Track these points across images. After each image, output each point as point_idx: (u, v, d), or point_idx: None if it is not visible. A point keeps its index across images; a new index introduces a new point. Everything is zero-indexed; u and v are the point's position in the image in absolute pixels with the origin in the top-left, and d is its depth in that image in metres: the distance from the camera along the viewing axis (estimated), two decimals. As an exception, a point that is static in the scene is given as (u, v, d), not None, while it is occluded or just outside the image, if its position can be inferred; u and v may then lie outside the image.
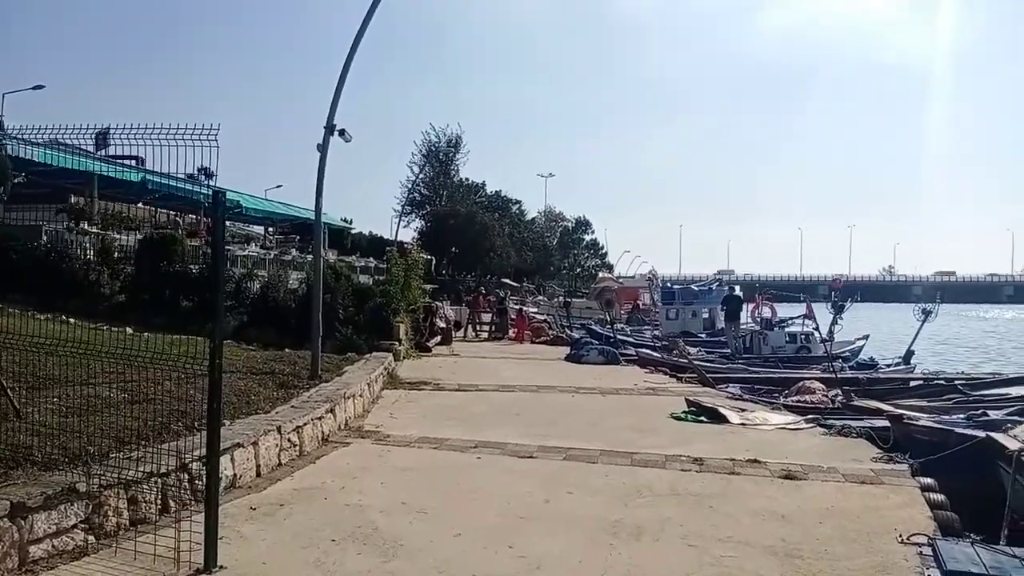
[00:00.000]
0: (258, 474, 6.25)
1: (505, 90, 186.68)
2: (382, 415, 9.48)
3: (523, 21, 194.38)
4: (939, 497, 6.65)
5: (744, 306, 26.06)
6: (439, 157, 54.55)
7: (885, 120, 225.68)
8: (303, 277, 16.57)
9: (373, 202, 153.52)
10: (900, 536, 5.27)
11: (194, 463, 5.50)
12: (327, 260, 23.19)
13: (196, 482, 5.51)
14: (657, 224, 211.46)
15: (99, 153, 27.93)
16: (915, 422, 8.85)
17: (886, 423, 9.37)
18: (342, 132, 10.40)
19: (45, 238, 16.55)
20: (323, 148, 10.30)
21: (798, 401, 12.60)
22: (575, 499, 6.02)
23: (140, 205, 30.31)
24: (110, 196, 27.74)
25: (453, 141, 55.13)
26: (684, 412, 10.12)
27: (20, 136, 6.50)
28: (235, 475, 5.93)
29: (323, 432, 7.60)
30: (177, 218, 30.66)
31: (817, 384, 13.68)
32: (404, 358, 15.74)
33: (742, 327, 24.21)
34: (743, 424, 9.63)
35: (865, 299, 35.41)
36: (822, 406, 12.18)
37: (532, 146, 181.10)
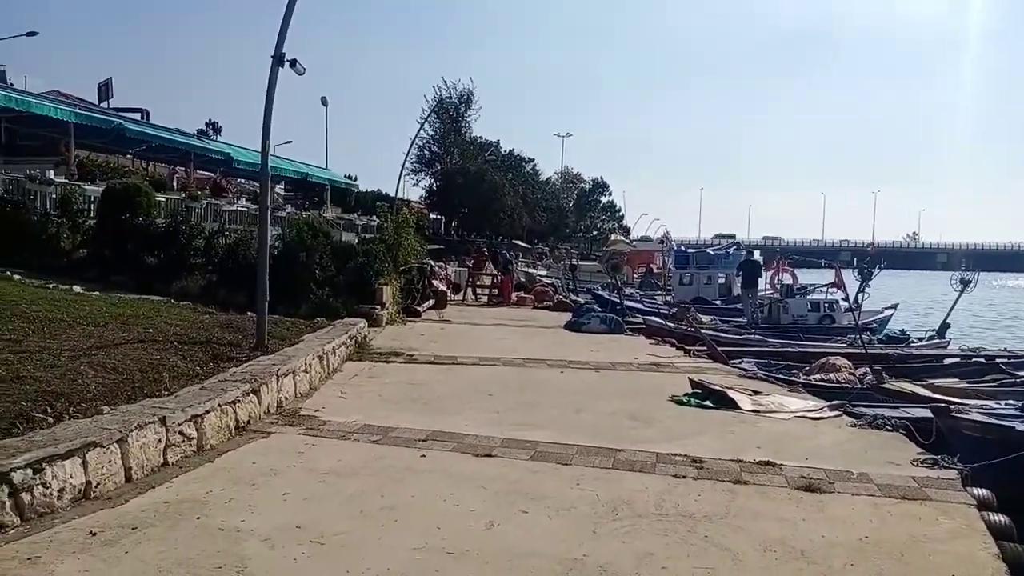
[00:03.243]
0: (128, 479, 4.89)
1: (521, 51, 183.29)
2: (330, 395, 8.14)
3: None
4: (1002, 521, 5.19)
5: (763, 272, 24.45)
6: (450, 113, 52.57)
7: (909, 86, 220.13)
8: (279, 233, 15.18)
9: (382, 161, 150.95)
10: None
11: (20, 471, 4.14)
12: (313, 215, 22.06)
13: (23, 496, 4.16)
14: (676, 188, 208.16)
15: (102, 105, 26.71)
16: (964, 415, 7.36)
17: (926, 413, 7.91)
18: (293, 63, 8.89)
19: (1, 187, 15.24)
20: (271, 81, 8.79)
21: (821, 380, 11.20)
22: (528, 522, 4.61)
23: (129, 156, 29.10)
24: (101, 148, 26.56)
25: (465, 97, 53.02)
26: (687, 395, 8.69)
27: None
28: (88, 483, 4.57)
29: (238, 420, 6.25)
30: (175, 172, 29.45)
31: (842, 360, 12.23)
32: (387, 324, 14.53)
33: (761, 295, 22.61)
34: (755, 411, 8.17)
35: (889, 266, 33.65)
36: (848, 386, 10.75)
37: (550, 107, 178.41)
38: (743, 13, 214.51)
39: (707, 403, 8.41)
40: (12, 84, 26.33)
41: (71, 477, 4.45)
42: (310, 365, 8.32)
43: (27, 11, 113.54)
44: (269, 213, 16.77)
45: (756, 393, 9.00)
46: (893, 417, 7.83)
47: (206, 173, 32.38)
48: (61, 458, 4.39)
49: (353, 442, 6.25)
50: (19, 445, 4.39)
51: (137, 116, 30.96)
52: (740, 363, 12.40)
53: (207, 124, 56.76)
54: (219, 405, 5.94)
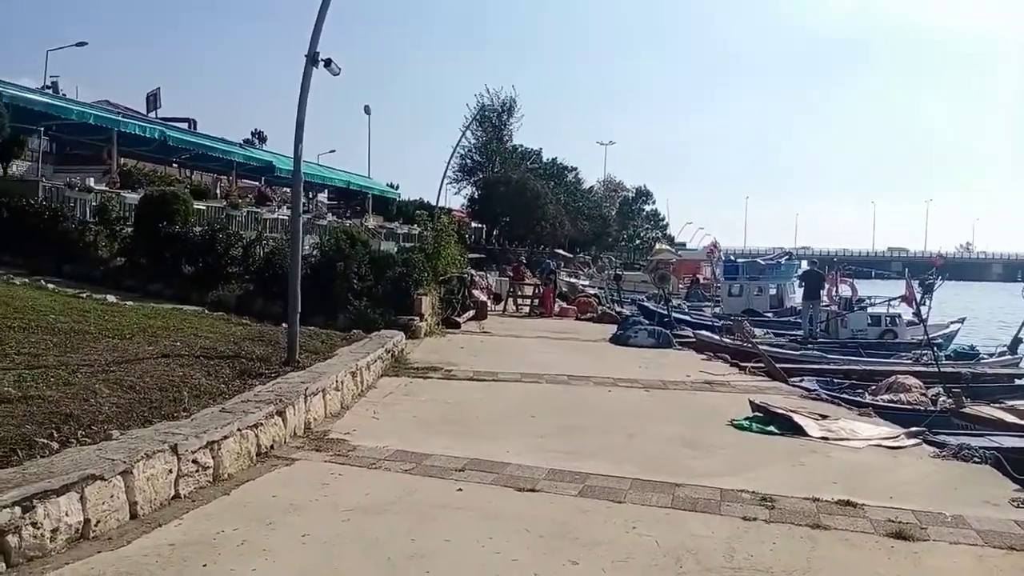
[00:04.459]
0: (133, 515, 4.41)
1: (564, 58, 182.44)
2: (362, 415, 7.63)
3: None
4: None
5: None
6: (492, 121, 52.23)
7: (959, 94, 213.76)
8: (317, 242, 14.87)
9: (424, 169, 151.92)
10: None
11: (7, 511, 3.67)
12: (353, 224, 21.74)
13: (9, 538, 3.70)
14: (721, 197, 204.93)
15: (150, 115, 26.90)
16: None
17: (1018, 442, 7.12)
18: (328, 63, 8.44)
19: (41, 194, 15.17)
20: (304, 82, 8.35)
21: (890, 402, 10.37)
22: (580, 577, 4.00)
23: (175, 165, 29.28)
24: (147, 157, 26.75)
25: (507, 105, 52.63)
26: (748, 419, 8.00)
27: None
28: (86, 521, 4.09)
29: (259, 445, 5.75)
30: (219, 181, 29.58)
31: (912, 380, 11.40)
32: (425, 335, 14.14)
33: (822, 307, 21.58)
34: (825, 438, 7.45)
35: (943, 277, 32.24)
36: (921, 409, 9.93)
37: (592, 116, 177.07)
38: (788, 20, 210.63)
39: (770, 428, 7.73)
40: (64, 94, 26.71)
41: (66, 515, 3.97)
42: (342, 382, 7.86)
43: (79, 22, 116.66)
44: (303, 221, 16.60)
45: (823, 417, 8.30)
46: (980, 447, 7.06)
47: (251, 182, 32.53)
48: (55, 494, 3.92)
49: (384, 471, 5.70)
50: (10, 479, 3.93)
51: (184, 125, 31.19)
52: (800, 381, 11.78)
53: (253, 133, 57.30)
54: (239, 430, 5.45)
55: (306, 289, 9.52)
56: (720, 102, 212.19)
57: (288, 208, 22.38)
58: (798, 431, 7.57)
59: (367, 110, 42.75)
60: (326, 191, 36.83)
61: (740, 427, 7.79)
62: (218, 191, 24.32)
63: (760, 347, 14.34)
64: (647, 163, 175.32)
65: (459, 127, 51.92)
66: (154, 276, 14.12)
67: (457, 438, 6.79)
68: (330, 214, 27.84)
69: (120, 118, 20.57)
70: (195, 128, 32.31)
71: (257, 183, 30.77)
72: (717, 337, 16.25)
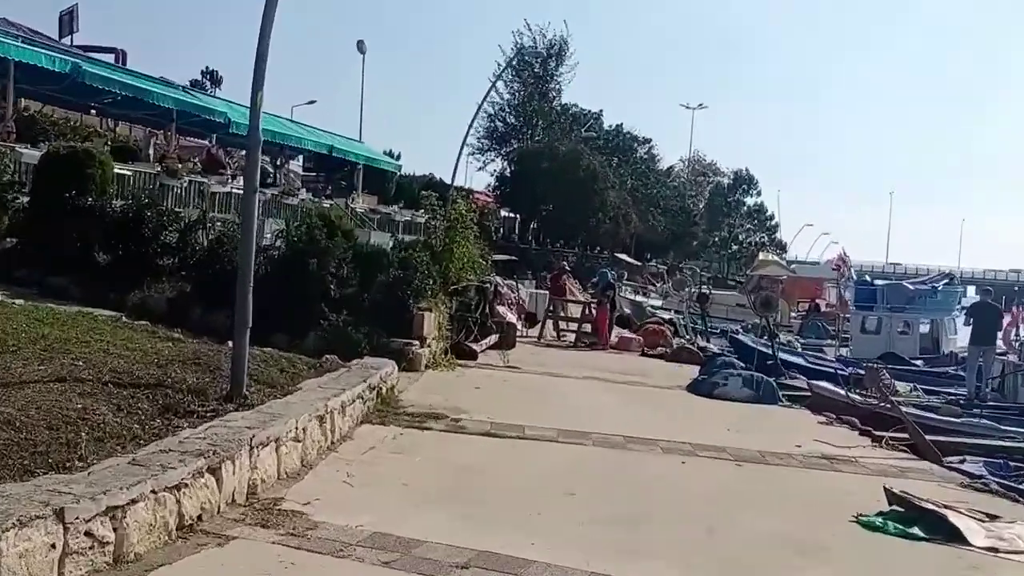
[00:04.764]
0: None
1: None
2: (331, 478, 7.65)
3: None
4: None
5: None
6: (534, 70, 52.09)
7: None
8: (281, 229, 15.15)
9: (438, 135, 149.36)
10: None
11: None
12: (335, 205, 21.74)
13: None
14: (855, 195, 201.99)
15: (63, 40, 27.26)
16: None
17: None
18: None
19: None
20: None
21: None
22: None
23: (93, 112, 29.75)
24: (56, 100, 27.22)
25: (556, 47, 52.61)
26: (882, 514, 7.95)
27: None
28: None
29: (182, 515, 5.73)
30: (154, 137, 29.97)
31: None
32: (427, 367, 14.31)
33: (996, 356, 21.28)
34: (994, 549, 7.33)
35: None
36: None
37: (675, 71, 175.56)
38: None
39: (914, 530, 7.64)
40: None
41: None
42: (304, 430, 7.86)
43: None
44: (265, 198, 16.85)
45: (991, 517, 8.21)
46: None
47: (198, 141, 32.96)
48: None
49: (354, 562, 5.65)
50: None
51: (109, 58, 31.71)
52: (961, 463, 11.69)
53: (204, 73, 58.07)
54: (154, 491, 5.42)
55: (264, 295, 9.57)
56: (859, 61, 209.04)
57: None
58: (954, 536, 7.49)
59: (361, 47, 43.32)
60: (300, 157, 37.22)
61: (870, 525, 7.73)
62: (151, 151, 24.63)
63: (903, 409, 14.13)
64: (752, 142, 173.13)
65: (488, 76, 51.89)
66: (56, 266, 14.24)
67: (462, 520, 6.77)
68: (304, 190, 28.19)
69: (18, 44, 20.86)
70: (124, 62, 32.81)
71: (206, 142, 31.15)
72: (842, 391, 15.91)
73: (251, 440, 6.76)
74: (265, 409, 7.89)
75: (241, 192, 18.84)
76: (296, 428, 7.70)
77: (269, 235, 15.59)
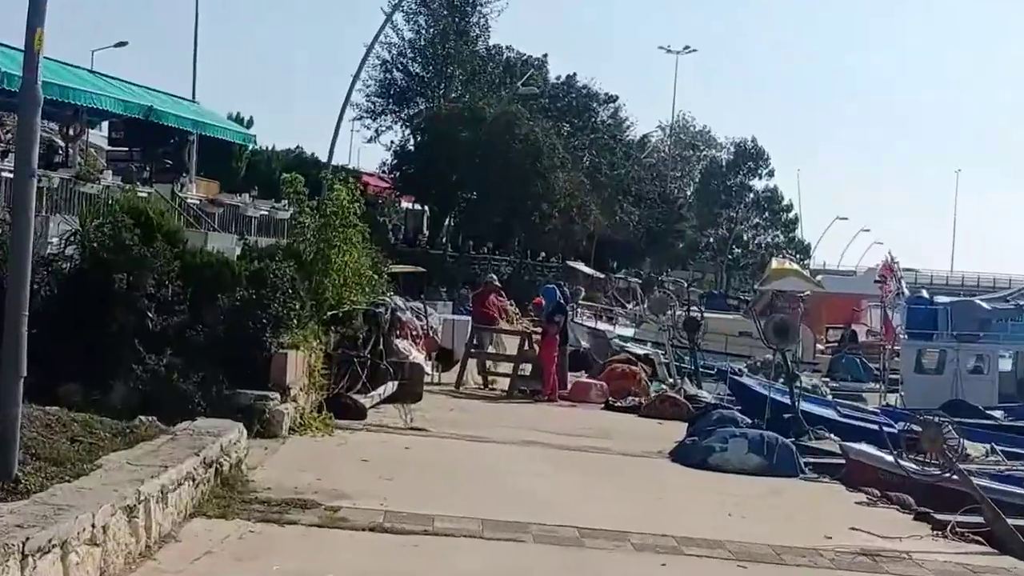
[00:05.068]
0: None
1: None
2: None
3: None
4: None
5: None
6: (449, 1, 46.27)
7: None
8: (75, 230, 12.69)
9: (307, 93, 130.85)
10: None
11: None
12: (153, 195, 18.11)
13: None
14: (911, 171, 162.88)
15: None
16: None
17: None
18: None
19: None
20: None
21: None
22: None
23: None
24: None
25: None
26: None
27: None
28: None
29: None
30: None
31: None
32: (292, 431, 12.39)
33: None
34: None
35: None
36: None
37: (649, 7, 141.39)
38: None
39: None
40: None
41: None
42: (105, 529, 6.83)
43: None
44: (49, 185, 15.14)
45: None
46: None
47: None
48: None
49: None
50: None
51: None
52: None
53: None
54: None
55: (48, 327, 9.37)
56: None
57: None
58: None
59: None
60: (104, 125, 31.54)
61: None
62: None
63: (976, 482, 12.01)
64: (762, 102, 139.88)
65: (381, 6, 43.60)
66: None
67: None
68: (110, 172, 24.61)
69: None
70: None
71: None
72: (889, 457, 13.61)
73: (23, 545, 5.71)
74: (47, 498, 6.87)
75: (11, 176, 15.79)
76: (93, 526, 6.69)
77: (56, 240, 13.81)
